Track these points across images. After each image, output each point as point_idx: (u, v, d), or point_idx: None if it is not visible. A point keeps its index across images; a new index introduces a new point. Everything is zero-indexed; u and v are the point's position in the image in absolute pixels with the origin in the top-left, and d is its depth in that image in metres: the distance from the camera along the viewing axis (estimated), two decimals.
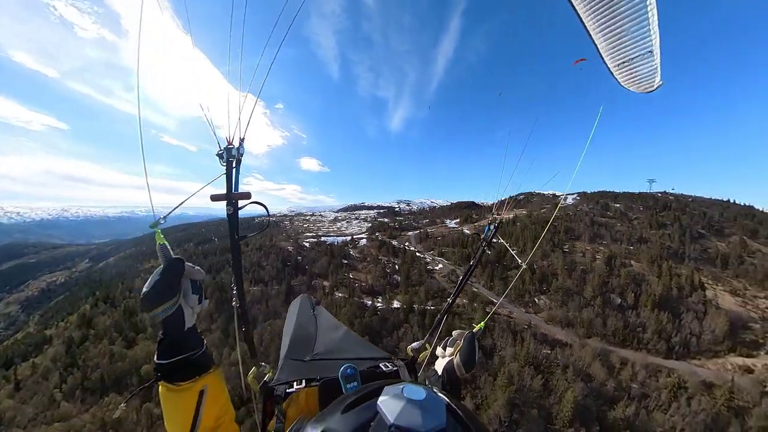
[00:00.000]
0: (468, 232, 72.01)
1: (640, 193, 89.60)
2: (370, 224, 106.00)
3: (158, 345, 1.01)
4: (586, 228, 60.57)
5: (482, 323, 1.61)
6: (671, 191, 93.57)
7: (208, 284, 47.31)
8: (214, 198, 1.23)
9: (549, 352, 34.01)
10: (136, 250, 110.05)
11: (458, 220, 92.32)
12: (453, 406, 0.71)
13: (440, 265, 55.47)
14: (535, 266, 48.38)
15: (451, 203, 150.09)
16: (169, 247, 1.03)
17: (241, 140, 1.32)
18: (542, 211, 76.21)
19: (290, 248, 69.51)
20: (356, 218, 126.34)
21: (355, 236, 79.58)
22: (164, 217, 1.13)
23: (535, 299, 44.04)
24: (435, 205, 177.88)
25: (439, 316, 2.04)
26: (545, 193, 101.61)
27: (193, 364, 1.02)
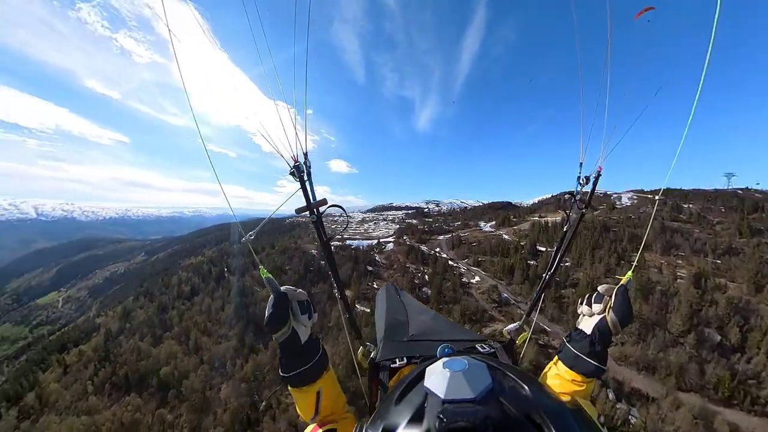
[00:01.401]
0: (508, 237, 62.60)
1: (716, 190, 73.93)
2: (398, 226, 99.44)
3: (280, 360, 1.22)
4: (656, 235, 48.81)
5: (630, 272, 1.35)
6: (756, 187, 76.52)
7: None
8: (299, 210, 1.54)
9: (625, 407, 25.17)
10: (181, 247, 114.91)
11: (494, 222, 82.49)
12: (493, 365, 0.74)
13: (477, 278, 47.12)
14: (596, 284, 38.62)
15: (484, 204, 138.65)
16: (274, 279, 1.21)
17: (305, 154, 1.56)
18: (596, 214, 64.42)
19: (314, 251, 64.99)
20: (384, 219, 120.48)
21: (381, 239, 73.40)
22: (253, 233, 1.41)
23: None
24: (465, 205, 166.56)
25: (534, 296, 1.96)
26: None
27: (310, 373, 1.23)
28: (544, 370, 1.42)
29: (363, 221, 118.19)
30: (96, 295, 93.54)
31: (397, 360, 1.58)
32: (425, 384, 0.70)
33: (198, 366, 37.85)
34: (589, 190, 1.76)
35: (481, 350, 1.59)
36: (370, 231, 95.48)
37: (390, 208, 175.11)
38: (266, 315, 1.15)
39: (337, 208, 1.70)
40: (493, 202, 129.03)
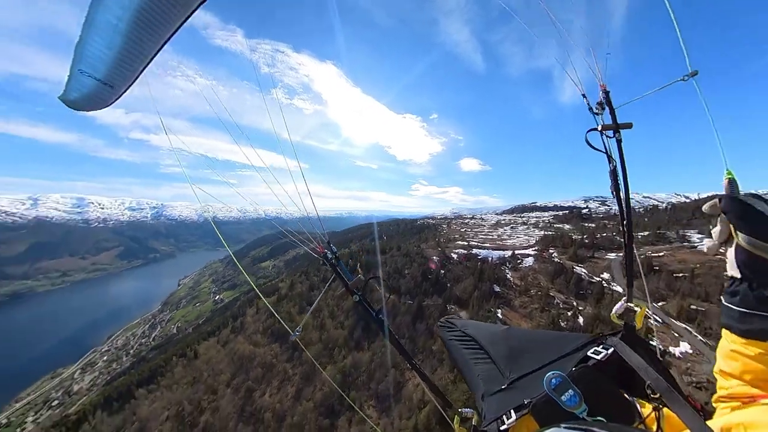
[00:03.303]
0: None
1: None
2: (542, 232, 78.04)
3: None
4: None
5: (729, 171, 0.98)
6: None
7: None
8: (348, 291, 1.75)
9: None
10: (336, 240, 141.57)
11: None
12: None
13: (685, 347, 25.51)
14: None
15: (692, 199, 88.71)
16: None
17: (328, 243, 1.88)
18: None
19: (435, 258, 58.55)
20: (524, 223, 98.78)
21: (518, 251, 57.97)
22: (300, 328, 1.75)
23: None
24: (655, 202, 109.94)
25: (624, 258, 1.66)
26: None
27: None
28: (717, 351, 0.96)
29: (497, 225, 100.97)
30: (287, 266, 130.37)
31: (504, 418, 1.21)
32: None
33: (317, 341, 42.91)
34: (610, 114, 1.56)
35: (596, 357, 1.20)
36: (504, 238, 78.82)
37: (532, 208, 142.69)
38: None
39: (374, 279, 1.90)
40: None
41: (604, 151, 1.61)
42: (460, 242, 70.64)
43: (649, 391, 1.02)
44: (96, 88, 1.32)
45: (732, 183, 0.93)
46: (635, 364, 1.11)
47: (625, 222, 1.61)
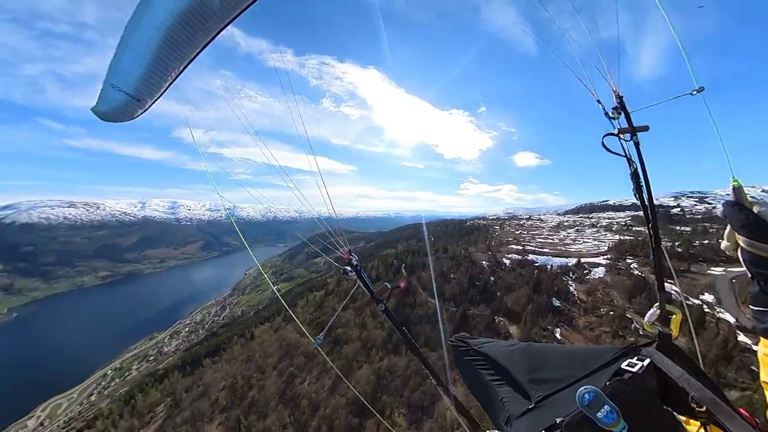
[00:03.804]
0: None
1: None
2: (617, 237, 66.53)
3: None
4: None
5: (735, 178, 1.04)
6: None
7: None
8: (374, 299, 1.82)
9: None
10: (383, 240, 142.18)
11: None
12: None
13: None
14: None
15: None
16: None
17: (350, 251, 1.93)
18: None
19: (485, 263, 54.17)
20: (592, 225, 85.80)
21: (585, 258, 50.04)
22: (321, 336, 1.83)
23: None
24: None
25: (654, 263, 1.62)
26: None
27: None
28: (758, 356, 1.00)
29: (559, 226, 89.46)
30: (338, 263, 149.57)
31: None
32: None
33: (356, 339, 43.32)
34: (625, 119, 1.60)
35: (632, 369, 1.08)
36: (568, 243, 69.04)
37: (603, 207, 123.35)
38: None
39: (400, 287, 2.87)
40: None
41: (623, 154, 1.60)
42: (513, 246, 64.18)
43: (693, 405, 0.95)
44: (125, 102, 1.46)
45: (737, 190, 0.96)
46: (676, 375, 1.02)
47: (650, 225, 1.59)
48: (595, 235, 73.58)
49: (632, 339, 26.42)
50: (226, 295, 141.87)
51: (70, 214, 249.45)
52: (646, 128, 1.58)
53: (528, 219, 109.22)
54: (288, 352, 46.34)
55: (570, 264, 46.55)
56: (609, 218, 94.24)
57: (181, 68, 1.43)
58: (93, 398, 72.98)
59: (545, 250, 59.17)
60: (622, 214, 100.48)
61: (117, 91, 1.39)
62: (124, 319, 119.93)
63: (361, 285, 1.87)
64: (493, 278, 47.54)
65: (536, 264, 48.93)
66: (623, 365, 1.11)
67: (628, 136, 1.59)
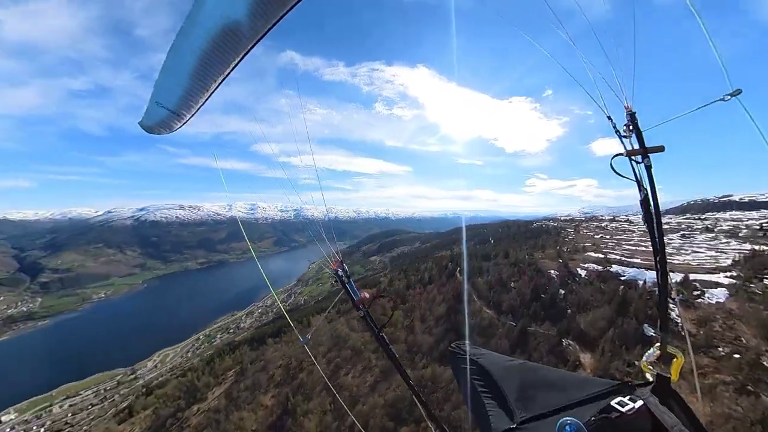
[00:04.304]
0: None
1: None
2: (747, 245, 50.51)
3: None
4: None
5: None
6: None
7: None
8: (354, 306, 1.99)
9: None
10: (440, 241, 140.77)
11: None
12: None
13: None
14: None
15: None
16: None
17: (341, 261, 2.09)
18: None
19: (553, 272, 47.07)
20: (707, 228, 67.14)
21: (695, 274, 38.80)
22: (309, 336, 2.11)
23: None
24: None
25: (659, 300, 1.56)
26: None
27: None
28: None
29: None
30: (392, 262, 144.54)
31: None
32: None
33: (402, 341, 41.94)
34: (636, 138, 1.46)
35: (622, 409, 1.02)
36: (670, 252, 54.80)
37: (724, 205, 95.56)
38: None
39: (383, 298, 2.96)
40: None
41: (633, 178, 1.48)
42: (592, 254, 54.20)
43: None
44: (167, 117, 1.68)
45: None
46: (669, 424, 0.99)
47: (658, 257, 1.47)
48: (712, 242, 57.31)
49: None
50: (293, 284, 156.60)
51: (180, 214, 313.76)
52: (660, 149, 1.44)
53: (612, 220, 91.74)
54: (337, 343, 47.93)
55: (673, 281, 36.64)
56: (734, 220, 72.97)
57: (216, 85, 1.60)
58: (189, 354, 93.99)
59: (635, 260, 48.24)
60: (754, 214, 76.92)
61: (160, 108, 1.62)
62: (213, 296, 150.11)
63: (346, 293, 2.02)
64: (563, 291, 40.69)
65: (622, 278, 40.09)
66: (613, 402, 1.06)
67: (639, 157, 1.44)
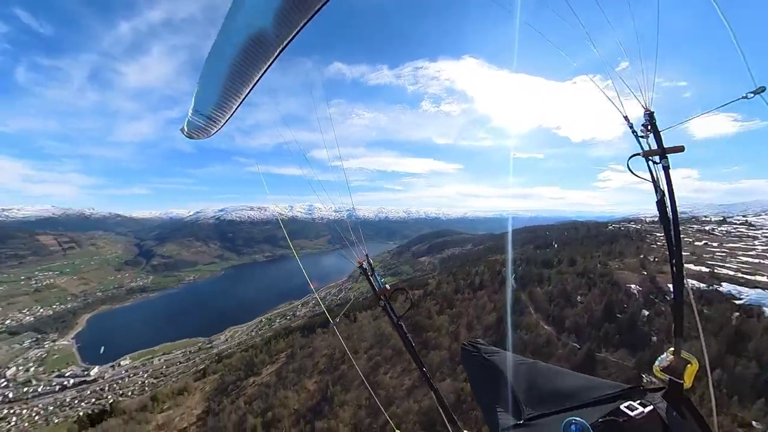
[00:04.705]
0: None
1: None
2: None
3: None
4: None
5: None
6: None
7: None
8: (376, 296, 2.14)
9: None
10: (494, 243, 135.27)
11: None
12: None
13: None
14: None
15: None
16: None
17: (366, 255, 2.33)
18: None
19: (633, 287, 39.44)
20: None
21: None
22: (338, 318, 2.68)
23: None
24: None
25: (674, 303, 1.56)
26: None
27: None
28: None
29: None
30: (442, 264, 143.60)
31: None
32: None
33: (445, 348, 39.95)
34: (654, 138, 1.46)
35: (630, 413, 1.01)
36: None
37: None
38: None
39: (400, 291, 2.36)
40: None
41: (650, 179, 1.49)
42: (691, 266, 43.71)
43: None
44: (204, 123, 1.84)
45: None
46: (679, 430, 0.98)
47: (674, 261, 1.45)
48: None
49: None
50: (344, 280, 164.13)
51: (250, 214, 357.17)
52: (680, 149, 1.41)
53: (721, 222, 72.96)
54: (379, 342, 47.90)
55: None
56: None
57: (247, 91, 1.69)
58: (253, 333, 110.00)
59: (758, 278, 37.29)
60: None
61: (199, 115, 1.78)
62: (276, 286, 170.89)
63: (369, 284, 2.14)
64: (646, 312, 33.44)
65: (738, 301, 31.25)
66: (622, 406, 1.04)
67: (657, 157, 1.44)
